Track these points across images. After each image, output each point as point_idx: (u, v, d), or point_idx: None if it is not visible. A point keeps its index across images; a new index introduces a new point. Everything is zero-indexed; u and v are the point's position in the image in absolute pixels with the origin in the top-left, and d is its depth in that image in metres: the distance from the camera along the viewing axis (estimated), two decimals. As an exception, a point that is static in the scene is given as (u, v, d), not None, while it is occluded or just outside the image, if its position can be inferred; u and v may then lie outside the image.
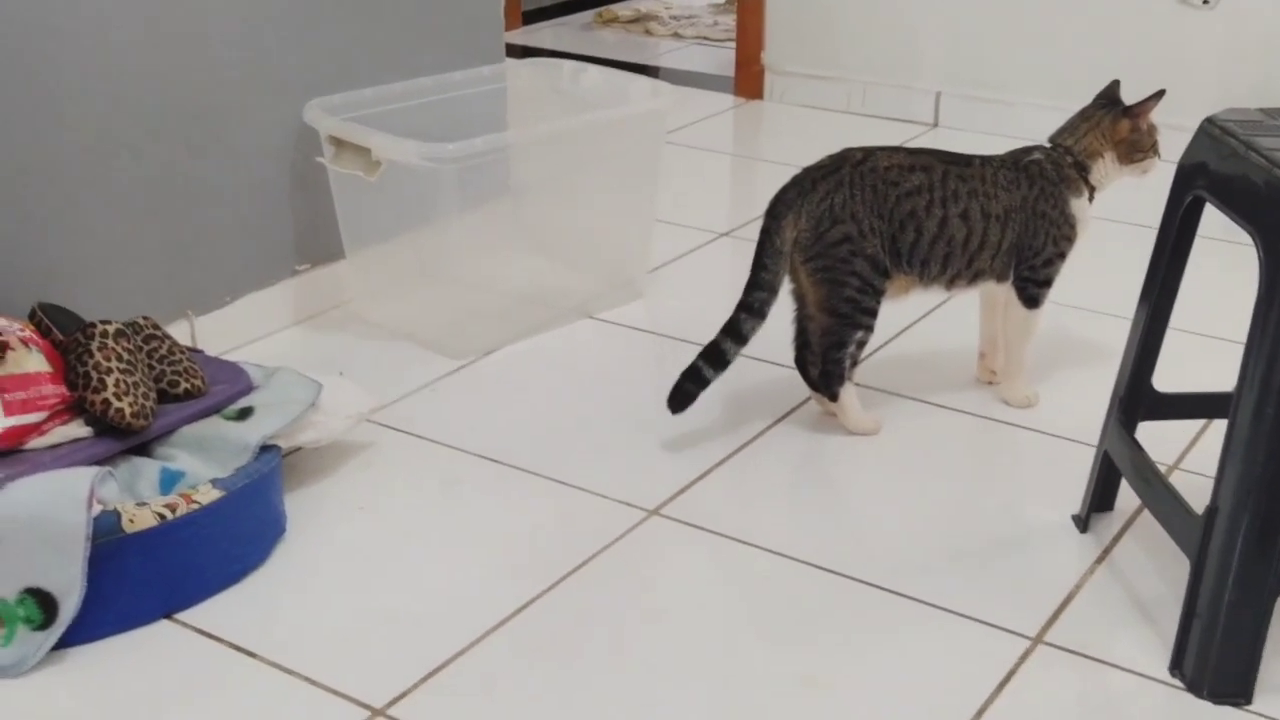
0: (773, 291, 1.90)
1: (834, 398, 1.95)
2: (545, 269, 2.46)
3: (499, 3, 2.58)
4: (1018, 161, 1.99)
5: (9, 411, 1.54)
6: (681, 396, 1.89)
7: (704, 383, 1.90)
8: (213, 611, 1.57)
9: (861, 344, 1.93)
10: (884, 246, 1.89)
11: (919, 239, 1.90)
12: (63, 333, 1.67)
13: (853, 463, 1.92)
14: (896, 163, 1.92)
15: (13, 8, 1.80)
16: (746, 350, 2.13)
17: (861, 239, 1.88)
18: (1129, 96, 3.33)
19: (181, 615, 1.56)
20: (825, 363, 1.93)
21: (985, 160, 1.97)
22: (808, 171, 1.93)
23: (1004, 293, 2.01)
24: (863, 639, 1.54)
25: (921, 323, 2.32)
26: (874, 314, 1.91)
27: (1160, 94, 2.03)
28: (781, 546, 1.70)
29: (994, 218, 1.94)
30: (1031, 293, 2.00)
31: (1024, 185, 1.96)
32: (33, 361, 1.59)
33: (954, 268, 1.94)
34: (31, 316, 1.72)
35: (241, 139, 2.16)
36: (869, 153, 1.93)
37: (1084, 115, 2.07)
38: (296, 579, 1.64)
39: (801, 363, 2.00)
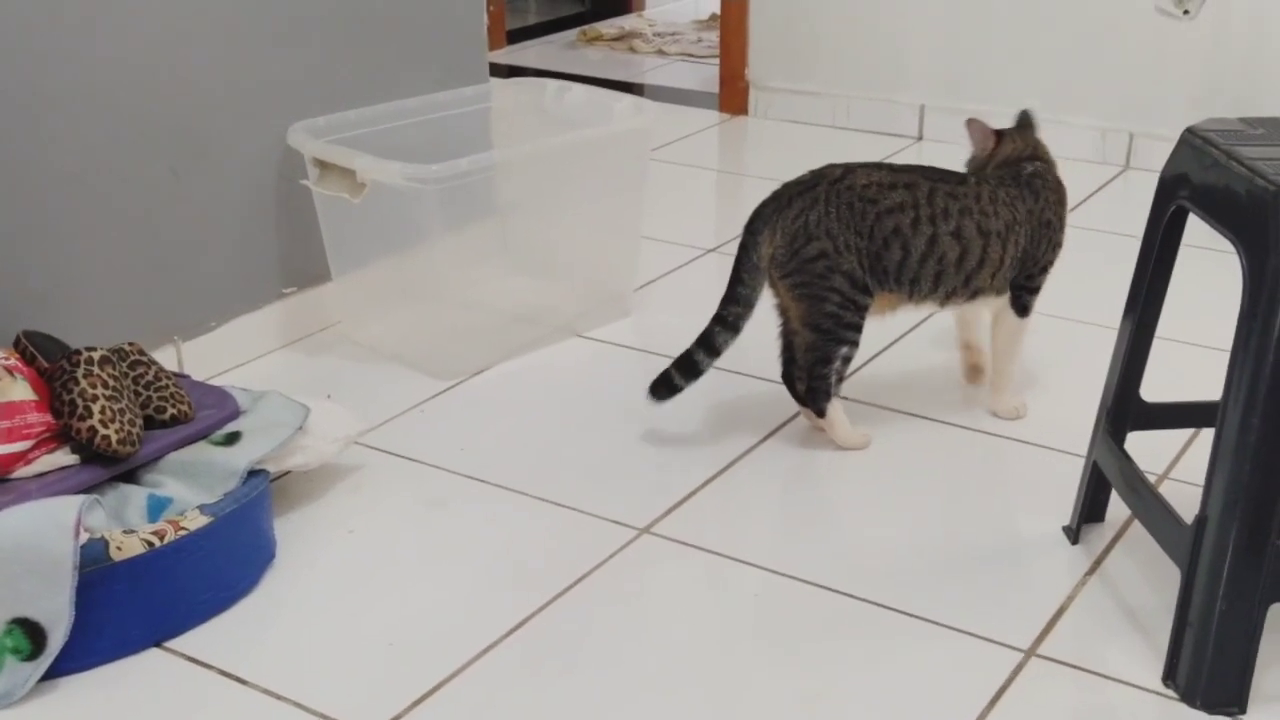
0: (748, 306, 1.91)
1: (821, 414, 1.95)
2: (532, 288, 2.46)
3: (483, 23, 2.58)
4: (1018, 176, 1.98)
5: (-6, 440, 1.53)
6: (655, 392, 1.93)
7: (675, 389, 1.93)
8: (202, 638, 1.56)
9: (847, 359, 1.93)
10: (863, 264, 1.89)
11: (906, 257, 1.89)
12: (48, 360, 1.66)
13: (843, 478, 1.92)
14: (876, 180, 1.91)
15: (-6, 35, 1.80)
16: (734, 365, 2.14)
17: (837, 255, 1.87)
18: (1117, 107, 3.34)
19: (171, 643, 1.55)
20: (811, 379, 1.93)
21: (982, 178, 1.96)
22: (786, 187, 1.93)
23: (997, 306, 2.01)
24: (855, 654, 1.54)
25: (908, 337, 2.32)
26: (858, 329, 1.91)
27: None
28: (773, 563, 1.70)
29: (994, 235, 1.92)
30: (1025, 301, 2.01)
31: (1029, 199, 1.96)
32: (18, 390, 1.58)
33: (948, 285, 1.93)
34: (16, 344, 1.71)
35: (226, 162, 2.16)
36: (848, 169, 1.92)
37: (1025, 128, 2.07)
38: (286, 604, 1.63)
39: (789, 378, 2.01)
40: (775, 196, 1.92)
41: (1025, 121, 2.07)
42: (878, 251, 1.88)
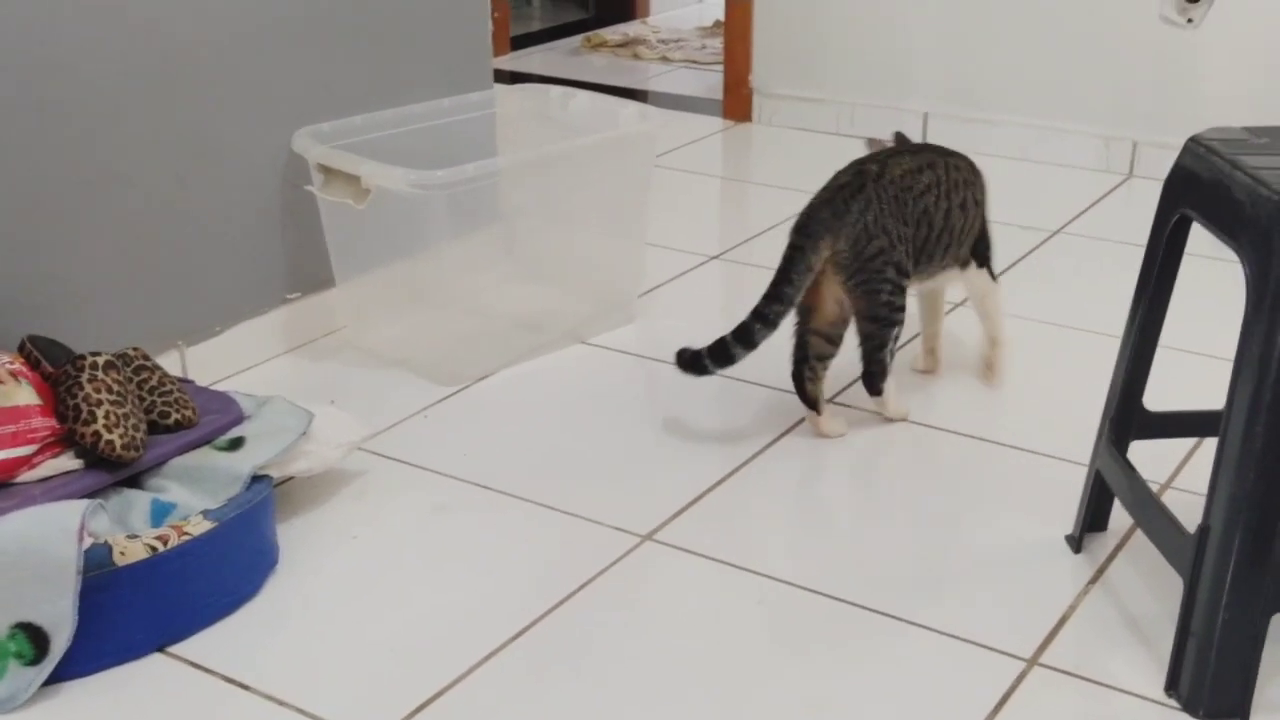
0: (789, 305, 1.94)
1: (879, 392, 2.03)
2: (536, 294, 2.46)
3: (487, 29, 2.59)
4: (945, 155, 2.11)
5: (-1, 445, 1.54)
6: (683, 360, 1.96)
7: (702, 371, 1.96)
8: (205, 644, 1.56)
9: (897, 338, 2.02)
10: (908, 250, 1.98)
11: (929, 233, 2.00)
12: (52, 365, 1.66)
13: (846, 486, 1.92)
14: (906, 168, 2.00)
15: (1, 41, 1.80)
16: (738, 373, 2.14)
17: (892, 249, 1.95)
18: (1121, 115, 3.35)
19: (174, 648, 1.55)
20: (870, 364, 2.01)
21: (950, 151, 2.11)
22: (834, 192, 1.96)
23: (966, 278, 2.13)
24: (858, 662, 1.54)
25: (913, 344, 2.32)
26: (904, 309, 2.01)
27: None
28: (776, 570, 1.70)
29: (975, 204, 2.09)
30: (992, 267, 2.15)
31: (975, 175, 2.12)
32: (22, 394, 1.59)
33: (949, 256, 2.06)
34: (20, 349, 1.71)
35: (230, 168, 2.16)
36: (882, 164, 1.99)
37: (906, 143, 2.19)
38: (289, 609, 1.63)
39: (799, 377, 2.02)
40: (826, 202, 1.95)
41: (904, 140, 2.23)
42: (913, 235, 1.98)
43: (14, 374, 1.61)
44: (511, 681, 1.51)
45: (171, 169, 2.07)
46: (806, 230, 1.93)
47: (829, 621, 1.61)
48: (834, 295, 1.97)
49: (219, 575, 1.59)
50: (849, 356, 2.20)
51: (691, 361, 1.96)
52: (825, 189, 1.98)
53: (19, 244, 1.88)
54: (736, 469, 1.94)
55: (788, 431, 2.04)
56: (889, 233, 1.94)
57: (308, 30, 2.23)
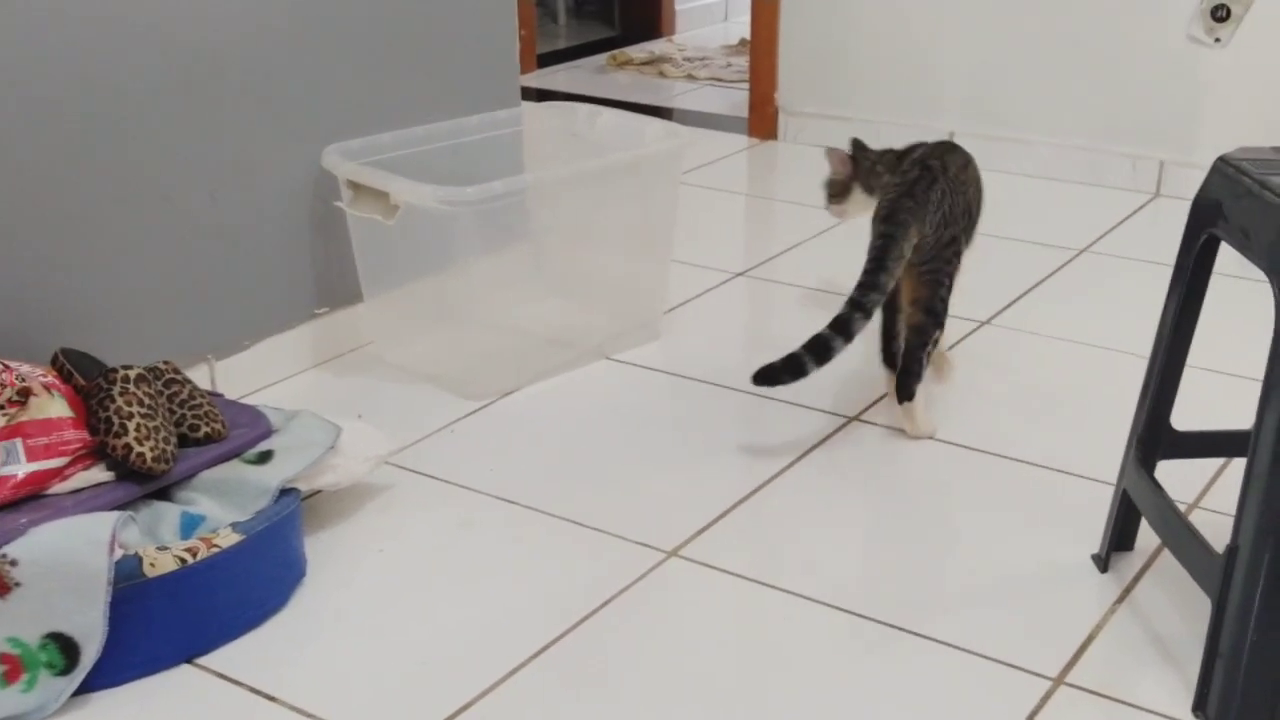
0: (884, 294, 1.97)
1: (911, 398, 2.05)
2: (562, 310, 2.47)
3: (515, 47, 2.61)
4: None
5: (31, 456, 1.55)
6: (770, 376, 1.96)
7: (802, 373, 1.95)
8: (233, 655, 1.57)
9: (937, 342, 2.08)
10: (965, 242, 2.10)
11: (969, 225, 2.13)
12: (85, 378, 1.68)
13: (870, 503, 1.92)
14: (955, 163, 2.12)
15: (35, 56, 1.82)
16: (765, 390, 2.14)
17: (958, 240, 2.06)
18: (1148, 134, 3.34)
19: (202, 659, 1.56)
20: (911, 363, 2.04)
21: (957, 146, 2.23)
22: (911, 186, 2.03)
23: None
24: (884, 680, 1.54)
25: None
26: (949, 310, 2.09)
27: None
28: (801, 587, 1.70)
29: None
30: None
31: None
32: (55, 407, 1.60)
33: (968, 247, 2.15)
34: (54, 362, 1.73)
35: (261, 184, 2.18)
36: (942, 161, 2.09)
37: (865, 150, 2.33)
38: (317, 622, 1.64)
39: (892, 356, 2.12)
40: (906, 194, 2.02)
41: (861, 146, 2.32)
42: (963, 227, 2.09)
43: (47, 387, 1.63)
44: (537, 696, 1.51)
45: (203, 185, 2.09)
46: (895, 219, 1.99)
47: (854, 638, 1.61)
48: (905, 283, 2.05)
49: (247, 587, 1.60)
50: (875, 372, 2.20)
51: (787, 369, 1.94)
52: (897, 185, 2.06)
53: (52, 258, 1.90)
54: (761, 485, 1.94)
55: (813, 448, 2.04)
56: (958, 223, 2.05)
57: (338, 48, 2.25)
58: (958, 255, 2.06)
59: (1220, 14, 3.07)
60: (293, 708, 1.49)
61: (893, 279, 1.96)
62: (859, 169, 2.28)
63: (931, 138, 3.44)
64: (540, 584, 1.72)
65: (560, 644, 1.59)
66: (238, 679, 1.53)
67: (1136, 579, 1.71)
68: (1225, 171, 1.49)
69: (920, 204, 2.00)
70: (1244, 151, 1.52)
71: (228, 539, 1.57)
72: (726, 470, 2.00)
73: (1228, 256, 1.53)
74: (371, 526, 1.84)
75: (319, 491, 1.82)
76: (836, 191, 2.31)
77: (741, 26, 4.96)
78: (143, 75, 1.97)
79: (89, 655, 1.46)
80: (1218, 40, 3.09)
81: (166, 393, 1.71)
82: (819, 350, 1.94)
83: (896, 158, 2.22)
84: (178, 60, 2.01)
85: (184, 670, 1.55)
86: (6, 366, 1.64)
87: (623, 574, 1.72)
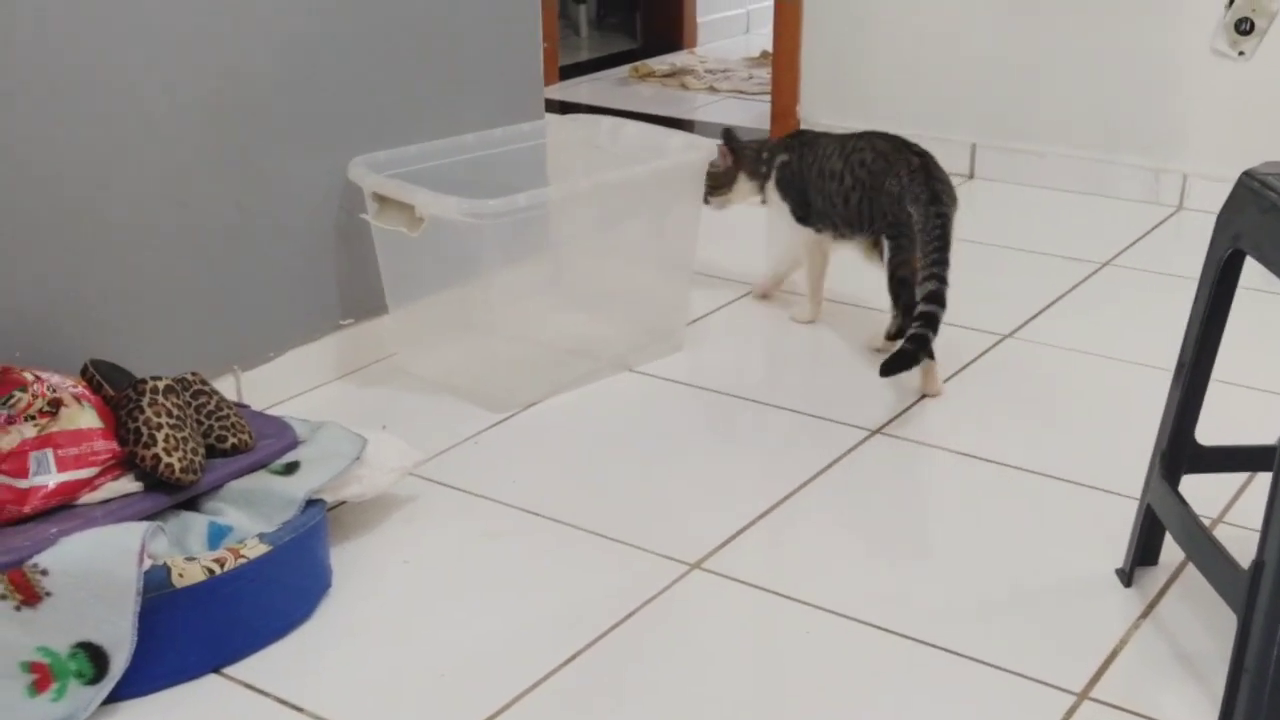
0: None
1: (933, 354, 2.21)
2: (585, 322, 2.48)
3: (539, 60, 2.62)
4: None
5: (62, 467, 1.57)
6: (903, 362, 2.14)
7: (927, 347, 2.17)
8: (260, 665, 1.58)
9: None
10: None
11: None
12: (114, 389, 1.70)
13: (895, 516, 1.92)
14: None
15: (59, 69, 1.84)
16: (788, 402, 2.14)
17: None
18: (1171, 147, 3.33)
19: (229, 669, 1.57)
20: (935, 325, 2.19)
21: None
22: (930, 171, 2.28)
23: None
24: (907, 694, 1.54)
25: (961, 375, 2.32)
26: None
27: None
28: (824, 601, 1.70)
29: None
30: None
31: None
32: (85, 417, 1.62)
33: None
34: (83, 373, 1.75)
35: (287, 196, 2.20)
36: (922, 153, 2.34)
37: (735, 138, 2.61)
38: (342, 633, 1.65)
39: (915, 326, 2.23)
40: (935, 177, 2.27)
41: (732, 137, 2.60)
42: None
43: (77, 397, 1.64)
44: (561, 707, 1.52)
45: (230, 197, 2.11)
46: (942, 199, 2.24)
47: (877, 653, 1.61)
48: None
49: (274, 598, 1.61)
50: (898, 387, 2.21)
51: (918, 344, 2.14)
52: (916, 170, 2.27)
53: (81, 271, 1.92)
54: (785, 498, 1.94)
55: (836, 461, 2.04)
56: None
57: (364, 61, 2.27)
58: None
59: (1244, 27, 3.07)
60: (318, 717, 1.50)
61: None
62: (741, 159, 2.55)
63: (953, 150, 3.48)
64: (564, 596, 1.72)
65: (584, 656, 1.60)
66: (264, 689, 1.54)
67: (1161, 594, 1.71)
68: (1251, 186, 1.49)
69: (946, 183, 2.27)
70: (1269, 166, 1.52)
71: (255, 549, 1.58)
72: (750, 482, 2.00)
73: (1253, 270, 1.53)
74: (396, 537, 1.85)
75: (344, 502, 1.83)
76: (719, 183, 2.55)
77: (763, 39, 4.97)
78: (172, 89, 1.98)
79: (118, 664, 1.47)
80: (1241, 53, 3.09)
81: (194, 404, 1.73)
82: (932, 324, 2.15)
83: (770, 146, 2.56)
84: (206, 73, 2.03)
85: (211, 680, 1.56)
86: (38, 378, 1.66)
87: (646, 586, 1.73)
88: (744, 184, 2.56)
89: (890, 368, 2.14)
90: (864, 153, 2.36)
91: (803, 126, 3.72)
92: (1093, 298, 2.69)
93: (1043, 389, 2.29)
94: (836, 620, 1.66)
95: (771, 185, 2.54)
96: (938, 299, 2.16)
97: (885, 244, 2.29)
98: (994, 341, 2.45)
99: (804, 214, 2.48)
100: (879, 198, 2.30)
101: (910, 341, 2.14)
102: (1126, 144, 3.29)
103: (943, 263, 2.18)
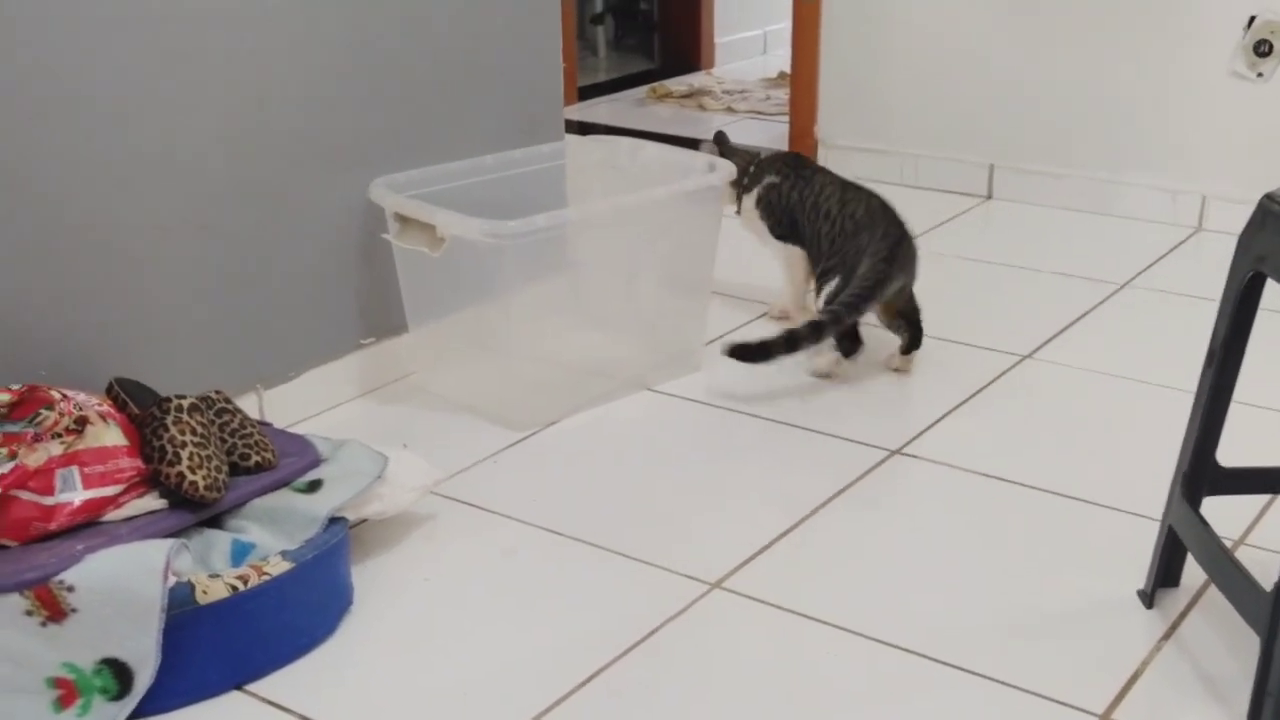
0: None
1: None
2: (604, 342, 2.49)
3: (559, 82, 2.64)
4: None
5: (88, 484, 1.58)
6: (751, 354, 2.28)
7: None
8: (282, 683, 1.59)
9: None
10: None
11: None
12: (138, 407, 1.71)
13: (915, 536, 1.92)
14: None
15: (85, 88, 1.86)
16: (807, 422, 2.15)
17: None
18: (1189, 169, 3.33)
19: (251, 686, 1.58)
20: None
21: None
22: (902, 234, 2.38)
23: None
24: (928, 714, 1.54)
25: (980, 395, 2.33)
26: None
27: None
28: (845, 621, 1.70)
29: None
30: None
31: None
32: (110, 435, 1.63)
33: None
34: (109, 391, 1.76)
35: (308, 216, 2.21)
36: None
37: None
38: (363, 650, 1.65)
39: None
40: (896, 241, 2.36)
41: (724, 140, 2.74)
42: None
43: (103, 415, 1.65)
44: (582, 726, 1.52)
45: (252, 218, 2.12)
46: (895, 264, 2.34)
47: (898, 673, 1.61)
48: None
49: (296, 615, 1.62)
50: (917, 406, 2.20)
51: (758, 349, 2.27)
52: (890, 236, 2.35)
53: (106, 291, 1.94)
54: (804, 518, 1.95)
55: (856, 480, 2.05)
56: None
57: (385, 82, 2.29)
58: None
59: (1263, 49, 3.07)
60: (341, 735, 1.50)
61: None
62: (735, 164, 2.56)
63: (970, 171, 3.49)
64: (584, 614, 1.73)
65: (604, 674, 1.60)
66: (286, 705, 1.55)
67: (1183, 615, 1.70)
68: (1271, 209, 1.49)
69: (910, 258, 2.42)
70: (1290, 188, 1.52)
71: (278, 567, 1.59)
72: (770, 502, 2.00)
73: (1274, 292, 1.53)
74: (417, 555, 1.85)
75: (365, 520, 1.84)
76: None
77: (780, 59, 4.98)
78: (194, 108, 2.00)
79: (142, 681, 1.48)
80: (1260, 75, 3.09)
81: (218, 422, 1.74)
82: (800, 341, 2.29)
83: (760, 162, 2.64)
84: (227, 93, 2.05)
85: (234, 696, 1.56)
86: (64, 396, 1.67)
87: (666, 605, 1.73)
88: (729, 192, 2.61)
89: (739, 352, 2.27)
90: (858, 206, 2.44)
91: (820, 146, 3.73)
92: (1112, 319, 2.69)
93: (1062, 410, 2.29)
94: (857, 640, 1.66)
95: (751, 200, 2.61)
96: (818, 330, 2.28)
97: (832, 280, 2.40)
98: (1013, 363, 2.45)
99: (784, 233, 2.57)
100: (848, 244, 2.39)
101: (780, 338, 2.26)
102: (1144, 165, 3.29)
103: (853, 308, 2.29)
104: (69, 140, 1.85)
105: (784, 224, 2.55)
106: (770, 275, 2.72)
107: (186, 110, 1.99)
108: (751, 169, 2.62)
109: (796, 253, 2.57)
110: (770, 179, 2.58)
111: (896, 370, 2.41)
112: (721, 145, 2.69)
